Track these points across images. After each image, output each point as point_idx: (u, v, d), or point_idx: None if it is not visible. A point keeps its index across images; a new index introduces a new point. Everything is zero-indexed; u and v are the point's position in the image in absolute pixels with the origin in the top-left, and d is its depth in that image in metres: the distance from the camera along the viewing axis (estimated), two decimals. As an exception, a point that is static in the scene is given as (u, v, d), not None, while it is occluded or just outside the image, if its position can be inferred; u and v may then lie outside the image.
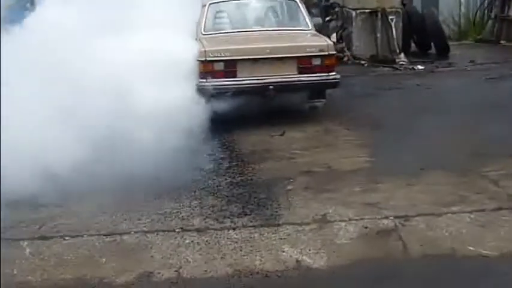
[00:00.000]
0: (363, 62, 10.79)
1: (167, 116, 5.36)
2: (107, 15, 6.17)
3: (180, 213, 3.88)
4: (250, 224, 3.64)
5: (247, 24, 7.11)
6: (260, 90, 6.20)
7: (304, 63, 6.31)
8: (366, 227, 3.49)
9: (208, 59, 6.14)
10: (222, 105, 6.02)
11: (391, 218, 3.59)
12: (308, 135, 5.86)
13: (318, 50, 6.32)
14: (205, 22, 6.89)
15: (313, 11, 11.18)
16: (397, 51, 10.72)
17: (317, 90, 6.46)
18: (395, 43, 10.86)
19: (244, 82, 6.18)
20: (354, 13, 11.07)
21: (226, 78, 6.16)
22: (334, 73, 6.40)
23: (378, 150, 5.12)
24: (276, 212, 3.80)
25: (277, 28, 6.98)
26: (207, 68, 6.14)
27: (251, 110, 6.23)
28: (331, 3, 11.51)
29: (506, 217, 3.56)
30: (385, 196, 3.97)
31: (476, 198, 3.85)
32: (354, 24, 11.14)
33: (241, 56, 6.24)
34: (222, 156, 5.15)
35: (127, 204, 3.98)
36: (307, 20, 7.11)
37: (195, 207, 3.92)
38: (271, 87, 6.13)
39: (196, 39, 6.52)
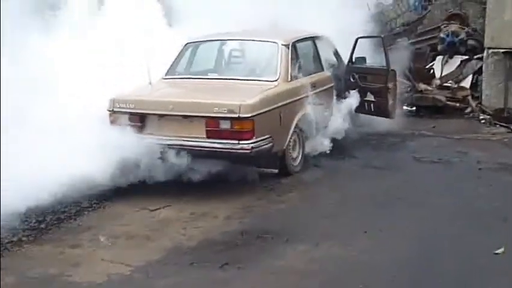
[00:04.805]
0: (481, 117, 8.19)
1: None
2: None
3: None
4: None
5: (210, 70, 6.09)
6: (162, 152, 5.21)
7: (211, 126, 5.05)
8: None
9: (115, 109, 5.43)
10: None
11: None
12: (178, 217, 4.65)
13: (227, 111, 4.98)
14: (171, 65, 6.15)
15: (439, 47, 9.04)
16: (537, 106, 7.88)
17: (231, 161, 5.12)
18: (537, 95, 7.96)
19: (146, 141, 5.25)
20: (485, 53, 8.47)
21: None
22: (247, 142, 4.94)
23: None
24: None
25: (234, 77, 5.73)
26: (114, 119, 5.44)
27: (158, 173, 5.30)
28: (465, 39, 9.00)
29: None
30: None
31: None
32: (484, 67, 8.54)
33: (145, 110, 5.32)
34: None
35: None
36: (279, 68, 5.68)
37: None
38: (161, 150, 5.12)
39: (149, 83, 5.88)
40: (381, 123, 7.31)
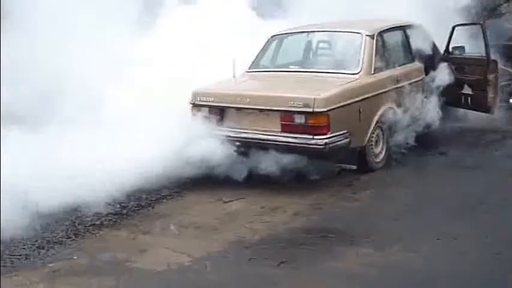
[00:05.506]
0: None
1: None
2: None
3: None
4: None
5: (292, 63, 6.02)
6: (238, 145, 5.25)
7: (286, 120, 5.03)
8: None
9: (196, 102, 5.55)
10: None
11: None
12: (248, 210, 4.69)
13: (302, 105, 4.91)
14: (255, 58, 6.16)
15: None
16: None
17: (306, 156, 5.00)
18: None
19: (224, 133, 5.31)
20: None
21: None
22: (322, 137, 4.85)
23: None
24: None
25: (316, 70, 5.64)
26: (196, 112, 5.55)
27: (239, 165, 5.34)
28: None
29: None
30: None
31: None
32: None
33: (224, 103, 5.40)
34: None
35: None
36: (361, 60, 5.47)
37: None
38: (237, 143, 5.14)
39: (233, 76, 5.94)
40: (479, 118, 6.83)
